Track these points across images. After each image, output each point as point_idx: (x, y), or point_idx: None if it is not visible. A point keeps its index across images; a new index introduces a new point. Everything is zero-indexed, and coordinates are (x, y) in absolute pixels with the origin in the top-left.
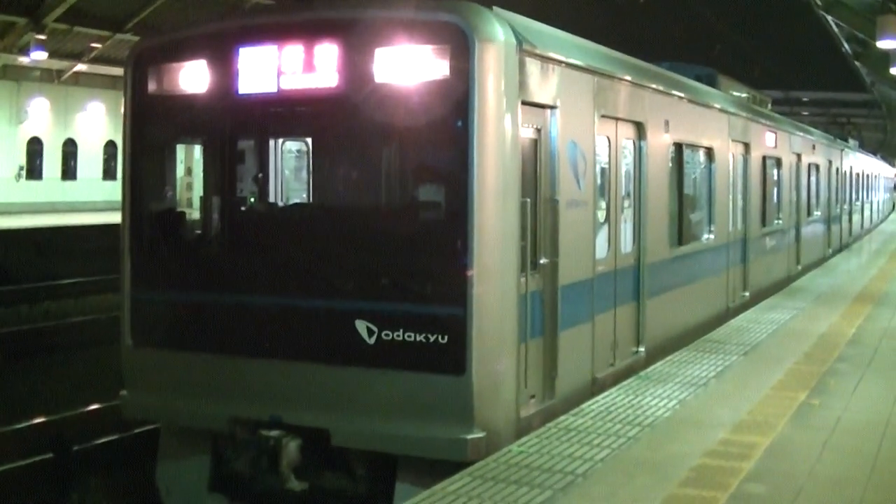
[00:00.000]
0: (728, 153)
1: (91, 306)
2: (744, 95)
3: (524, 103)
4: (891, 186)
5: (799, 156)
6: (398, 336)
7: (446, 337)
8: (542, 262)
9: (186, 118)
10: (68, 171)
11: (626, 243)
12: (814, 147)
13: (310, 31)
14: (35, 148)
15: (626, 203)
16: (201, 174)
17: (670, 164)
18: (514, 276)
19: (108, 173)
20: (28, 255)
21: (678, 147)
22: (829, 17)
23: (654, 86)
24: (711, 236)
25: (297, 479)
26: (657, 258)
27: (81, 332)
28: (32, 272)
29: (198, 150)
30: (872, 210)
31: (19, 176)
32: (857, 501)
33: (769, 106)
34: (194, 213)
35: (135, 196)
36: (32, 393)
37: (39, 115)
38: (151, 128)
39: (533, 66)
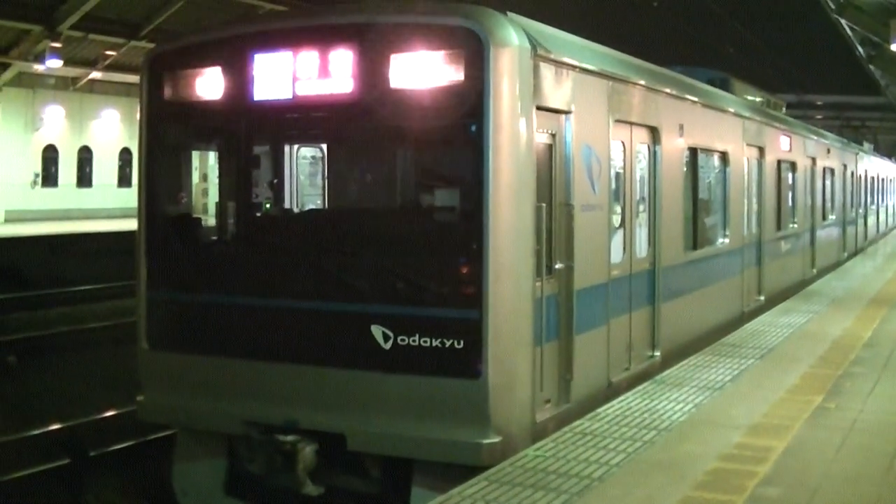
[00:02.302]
0: (742, 157)
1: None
2: (758, 99)
3: (539, 108)
4: None
5: (813, 159)
6: (414, 340)
7: (462, 341)
8: (557, 266)
9: (202, 124)
10: (83, 179)
11: (641, 247)
12: (828, 151)
13: (325, 37)
14: (50, 155)
15: (641, 207)
16: (217, 180)
17: (685, 169)
18: (529, 280)
19: (123, 180)
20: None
21: (693, 151)
22: (843, 21)
23: (668, 90)
24: (726, 240)
25: (314, 482)
26: (672, 262)
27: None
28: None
29: (213, 155)
30: (888, 213)
31: (35, 183)
32: (873, 500)
33: (783, 110)
34: (210, 219)
35: (151, 201)
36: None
37: (54, 123)
38: (167, 133)
39: (547, 70)
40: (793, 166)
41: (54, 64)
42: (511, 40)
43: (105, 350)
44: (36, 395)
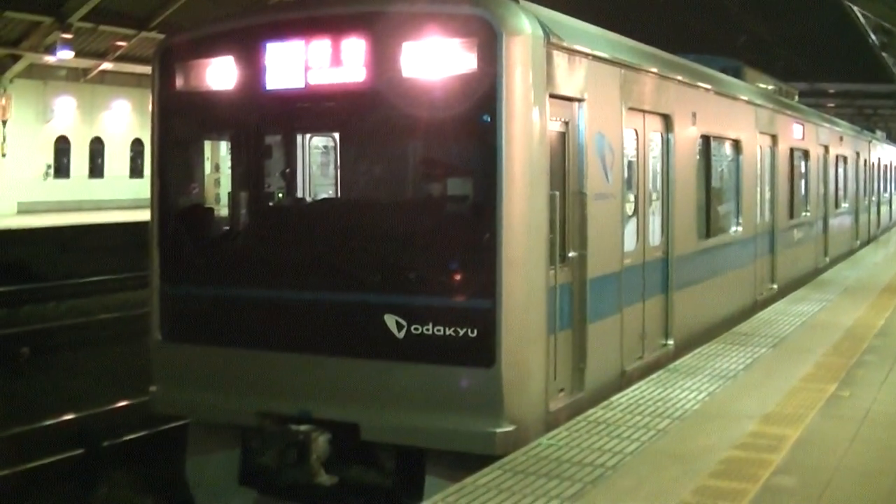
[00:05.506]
0: (755, 145)
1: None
2: (770, 87)
3: (552, 96)
4: None
5: (826, 147)
6: (427, 330)
7: (475, 330)
8: (570, 254)
9: (214, 114)
10: (95, 170)
11: (654, 236)
12: (841, 139)
13: (337, 26)
14: (62, 146)
15: (654, 195)
16: (229, 170)
17: (697, 157)
18: (542, 268)
19: (135, 171)
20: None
21: (705, 139)
22: (855, 8)
23: (680, 78)
24: (739, 228)
25: (327, 473)
26: (685, 251)
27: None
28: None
29: (225, 145)
30: None
31: (47, 174)
32: (887, 492)
33: (796, 98)
34: (222, 209)
35: (163, 192)
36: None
37: (66, 114)
38: (179, 124)
39: (560, 58)
40: (805, 154)
41: (65, 55)
42: (523, 28)
43: (117, 342)
44: (46, 388)
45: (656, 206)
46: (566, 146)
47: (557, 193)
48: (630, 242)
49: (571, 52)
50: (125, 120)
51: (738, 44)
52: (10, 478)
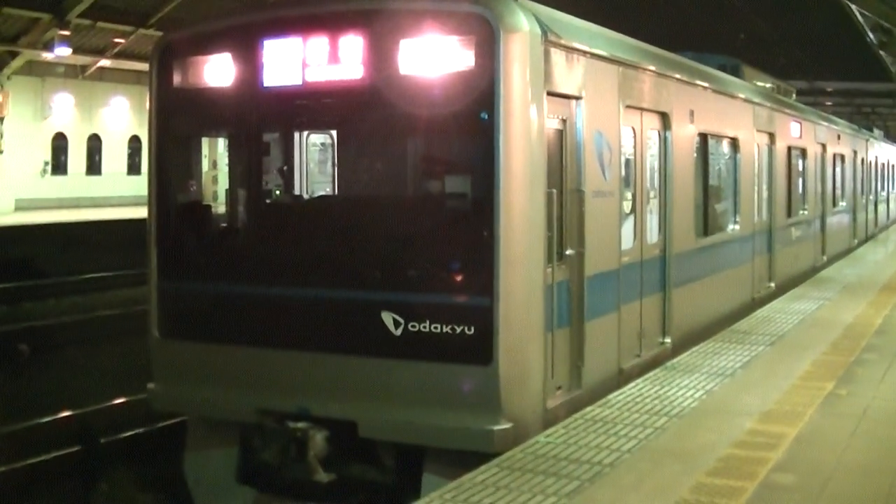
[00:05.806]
0: (753, 143)
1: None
2: (768, 85)
3: (549, 94)
4: None
5: (824, 146)
6: (425, 327)
7: (473, 327)
8: (568, 252)
9: (212, 111)
10: (93, 167)
11: (652, 234)
12: (838, 137)
13: (335, 23)
14: (60, 143)
15: (652, 193)
16: (227, 167)
17: (695, 154)
18: (540, 266)
19: (133, 168)
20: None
21: (703, 137)
22: (854, 6)
23: (678, 76)
24: (737, 226)
25: (325, 470)
26: (683, 249)
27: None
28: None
29: (223, 142)
30: None
31: (45, 171)
32: (886, 490)
33: (794, 96)
34: (220, 206)
35: (161, 189)
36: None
37: (64, 111)
38: (177, 121)
39: (558, 56)
40: (803, 153)
41: (63, 52)
42: (521, 25)
43: (116, 340)
44: (46, 386)
45: (654, 204)
46: (564, 144)
47: (555, 191)
48: (628, 240)
49: (569, 49)
50: (123, 117)
51: (738, 42)
52: (9, 475)
